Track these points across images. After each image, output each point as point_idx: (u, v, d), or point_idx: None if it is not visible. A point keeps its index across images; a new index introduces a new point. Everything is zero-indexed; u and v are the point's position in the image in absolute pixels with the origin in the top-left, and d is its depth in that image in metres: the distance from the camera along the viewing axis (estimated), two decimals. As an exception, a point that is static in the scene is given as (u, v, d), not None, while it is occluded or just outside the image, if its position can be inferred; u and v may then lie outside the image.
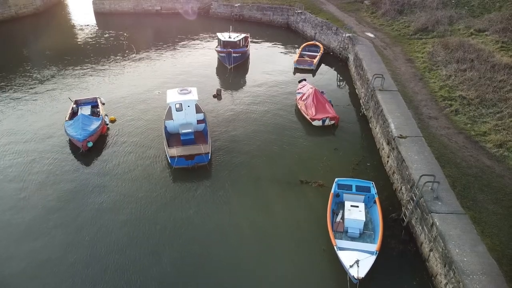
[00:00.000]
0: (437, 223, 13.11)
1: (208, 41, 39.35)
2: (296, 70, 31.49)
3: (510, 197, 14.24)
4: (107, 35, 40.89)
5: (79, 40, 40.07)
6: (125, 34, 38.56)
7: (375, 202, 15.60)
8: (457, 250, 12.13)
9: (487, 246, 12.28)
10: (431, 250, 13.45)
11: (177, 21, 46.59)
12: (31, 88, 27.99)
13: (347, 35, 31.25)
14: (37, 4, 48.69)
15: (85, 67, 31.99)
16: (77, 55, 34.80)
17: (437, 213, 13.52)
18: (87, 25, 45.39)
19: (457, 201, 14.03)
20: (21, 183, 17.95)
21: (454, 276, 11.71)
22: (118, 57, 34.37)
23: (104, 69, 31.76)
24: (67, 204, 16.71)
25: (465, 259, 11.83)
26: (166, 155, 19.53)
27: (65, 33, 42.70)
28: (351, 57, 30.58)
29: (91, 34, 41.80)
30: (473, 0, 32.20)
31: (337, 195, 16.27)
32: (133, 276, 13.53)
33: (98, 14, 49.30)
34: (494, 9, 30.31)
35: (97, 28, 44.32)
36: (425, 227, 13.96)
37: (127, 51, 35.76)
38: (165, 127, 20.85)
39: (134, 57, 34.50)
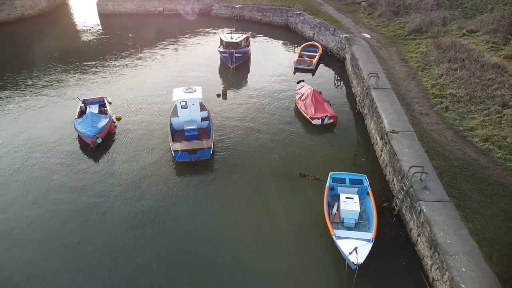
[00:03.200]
0: (424, 210, 14.24)
1: (210, 41, 40.50)
2: (296, 70, 32.62)
3: (493, 187, 15.37)
4: (111, 36, 42.05)
5: (84, 41, 41.22)
6: (130, 35, 39.70)
7: (368, 193, 16.71)
8: (441, 234, 13.26)
9: (469, 230, 13.40)
10: (419, 235, 14.59)
11: (179, 21, 47.72)
12: (40, 87, 29.12)
13: (344, 35, 32.40)
14: (42, 5, 49.86)
15: (91, 68, 33.12)
16: (83, 55, 35.92)
17: (424, 201, 14.65)
18: (92, 26, 46.56)
19: (444, 190, 15.16)
20: (34, 178, 19.05)
21: (439, 257, 12.84)
22: (123, 58, 35.52)
23: (109, 69, 32.89)
24: (79, 196, 17.83)
25: (448, 242, 12.96)
26: (170, 150, 20.67)
27: (70, 34, 43.85)
28: (348, 57, 31.72)
29: (96, 35, 42.96)
30: (466, 1, 33.30)
31: (332, 189, 17.29)
32: (130, 268, 14.40)
33: (102, 15, 50.44)
34: (486, 10, 31.36)
35: (102, 28, 45.51)
36: (413, 214, 15.10)
37: (132, 52, 36.90)
38: (171, 123, 21.98)
39: (139, 57, 35.66)
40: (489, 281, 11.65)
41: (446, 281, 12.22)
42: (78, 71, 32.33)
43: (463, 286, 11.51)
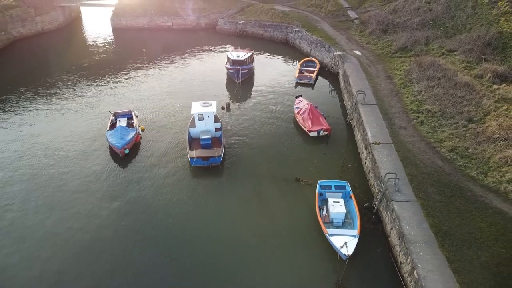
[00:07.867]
0: (396, 208, 17.94)
1: (217, 56, 44.30)
2: (297, 84, 36.34)
3: (452, 190, 19.03)
4: (127, 50, 45.85)
5: (101, 54, 45.01)
6: (144, 50, 43.47)
7: (350, 197, 20.34)
8: (407, 227, 16.94)
9: (429, 223, 17.07)
10: (391, 228, 18.28)
11: (187, 35, 51.59)
12: (70, 100, 32.95)
13: (338, 53, 36.09)
14: (60, 20, 53.77)
15: (112, 81, 36.93)
16: (102, 70, 39.71)
17: (396, 201, 18.33)
18: (106, 40, 50.41)
19: (412, 193, 18.85)
20: (73, 182, 22.80)
21: (404, 245, 16.55)
22: (139, 71, 39.33)
23: (128, 82, 36.68)
24: (111, 198, 21.52)
25: (412, 233, 16.64)
26: (187, 156, 24.30)
27: (87, 48, 47.68)
28: (341, 73, 35.40)
29: (112, 49, 46.84)
30: (448, 21, 36.90)
31: (321, 194, 20.82)
32: (136, 263, 17.45)
33: (116, 30, 54.26)
34: (465, 30, 34.81)
35: (116, 42, 49.35)
36: (388, 212, 18.80)
37: (147, 66, 40.68)
38: (189, 133, 25.74)
39: (154, 72, 39.42)
40: (439, 262, 15.35)
41: (409, 263, 15.92)
42: (101, 84, 36.12)
43: (420, 265, 15.20)
